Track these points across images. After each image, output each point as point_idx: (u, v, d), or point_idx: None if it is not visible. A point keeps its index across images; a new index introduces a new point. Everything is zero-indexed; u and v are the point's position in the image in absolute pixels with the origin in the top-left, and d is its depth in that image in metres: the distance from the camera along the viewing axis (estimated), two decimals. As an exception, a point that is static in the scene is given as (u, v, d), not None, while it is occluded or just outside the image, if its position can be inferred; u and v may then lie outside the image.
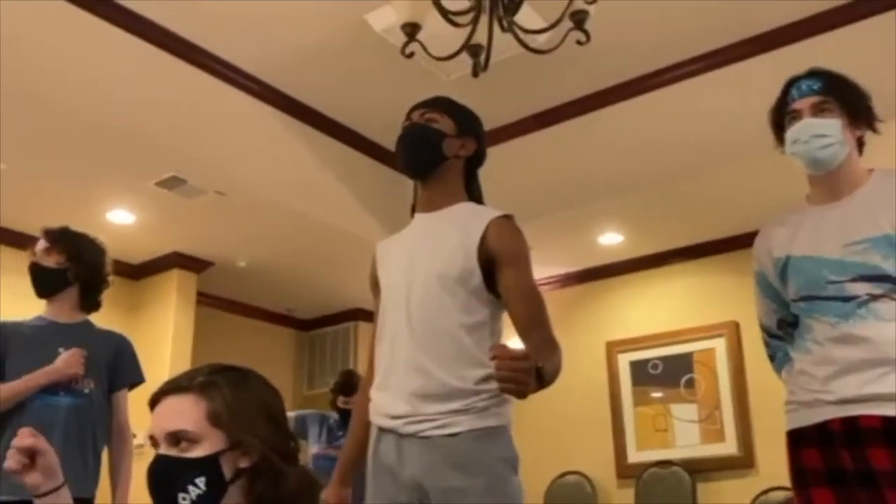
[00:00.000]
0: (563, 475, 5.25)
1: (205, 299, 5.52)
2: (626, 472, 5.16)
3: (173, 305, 5.15)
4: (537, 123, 4.70)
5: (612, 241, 5.15)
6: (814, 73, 1.98)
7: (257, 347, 5.90)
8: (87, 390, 2.62)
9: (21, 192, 4.22)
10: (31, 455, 1.39)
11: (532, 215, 4.41)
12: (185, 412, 1.26)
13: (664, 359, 5.24)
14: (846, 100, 1.94)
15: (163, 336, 5.08)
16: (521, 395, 1.53)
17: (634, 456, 5.17)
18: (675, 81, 4.25)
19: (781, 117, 2.00)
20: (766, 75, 3.86)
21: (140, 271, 5.27)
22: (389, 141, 4.81)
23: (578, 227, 4.94)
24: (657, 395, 5.22)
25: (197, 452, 1.23)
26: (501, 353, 1.49)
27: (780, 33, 3.90)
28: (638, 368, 5.31)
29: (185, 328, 5.17)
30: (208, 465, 1.22)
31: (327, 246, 4.99)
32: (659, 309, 5.36)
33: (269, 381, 1.39)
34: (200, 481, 1.22)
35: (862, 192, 1.92)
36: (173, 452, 1.24)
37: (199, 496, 1.21)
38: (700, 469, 4.91)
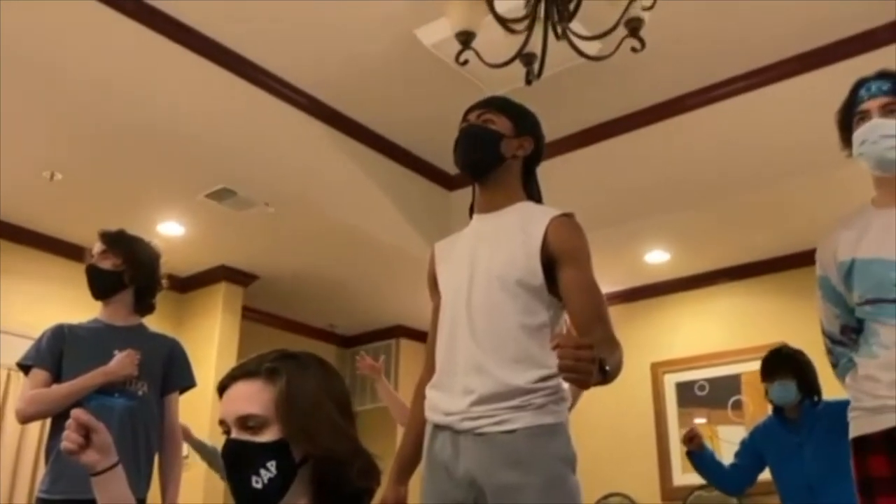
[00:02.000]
0: (607, 496, 5.17)
1: (249, 313, 5.57)
2: (671, 494, 5.06)
3: (219, 319, 5.20)
4: (585, 139, 4.69)
5: (659, 259, 5.10)
6: (883, 75, 1.97)
7: (298, 364, 5.91)
8: (140, 392, 2.65)
9: (75, 203, 4.31)
10: (86, 434, 1.42)
11: (578, 231, 4.38)
12: (255, 397, 1.27)
13: (711, 380, 5.15)
14: None
15: (208, 350, 5.12)
16: (584, 384, 1.51)
17: (680, 478, 5.07)
18: (726, 97, 4.22)
19: (849, 118, 1.98)
20: (813, 93, 3.84)
21: (187, 284, 5.33)
22: (435, 157, 4.95)
23: (625, 245, 4.90)
24: (702, 417, 5.13)
25: (267, 437, 1.24)
26: (564, 342, 1.48)
27: (839, 47, 3.86)
28: (684, 390, 5.23)
29: (230, 342, 5.22)
30: (279, 450, 1.23)
31: (372, 260, 5.02)
32: (705, 329, 5.28)
33: (333, 368, 1.39)
34: (272, 465, 1.22)
35: None
36: (245, 436, 1.25)
37: (270, 479, 1.22)
38: (747, 493, 4.80)
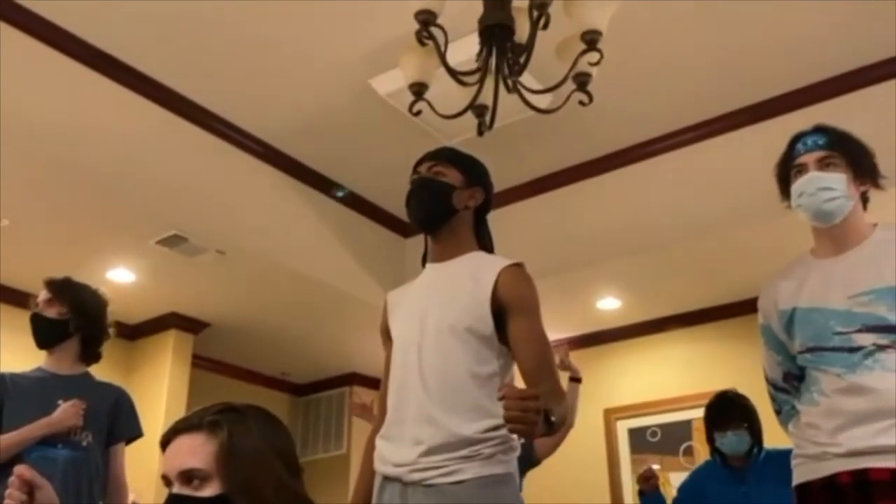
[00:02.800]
0: (560, 545, 5.14)
1: (199, 361, 5.48)
2: (624, 542, 5.05)
3: (168, 367, 5.11)
4: (537, 188, 4.77)
5: (610, 305, 5.16)
6: (819, 129, 2.05)
7: (251, 412, 5.82)
8: (85, 443, 2.59)
9: (22, 250, 4.23)
10: (30, 490, 1.38)
11: (531, 279, 4.44)
12: (197, 451, 1.25)
13: (663, 426, 5.19)
14: (851, 155, 2.00)
15: (157, 399, 5.02)
16: (530, 435, 1.52)
17: (633, 525, 5.08)
18: (673, 149, 4.33)
19: (787, 171, 2.05)
20: (762, 143, 3.96)
21: (136, 331, 5.24)
22: (391, 204, 4.97)
23: (577, 292, 4.95)
24: (656, 463, 5.15)
25: (209, 491, 1.22)
26: (510, 393, 1.49)
27: (777, 102, 4.00)
28: (636, 436, 5.26)
29: (180, 391, 5.12)
30: None
31: (325, 307, 4.99)
32: (657, 375, 5.34)
33: (279, 421, 1.38)
34: None
35: (866, 245, 1.96)
36: (187, 491, 1.23)
37: None
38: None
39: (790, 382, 2.04)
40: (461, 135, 3.83)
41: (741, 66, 3.82)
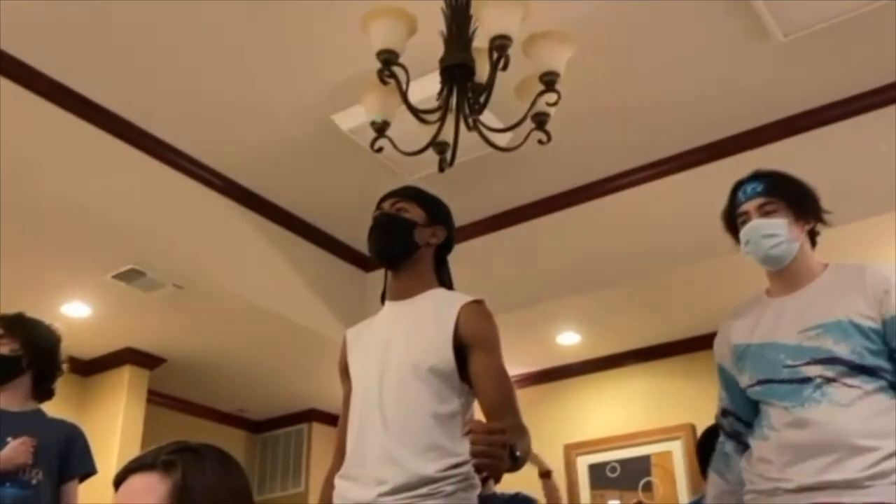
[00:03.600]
0: (520, 583, 5.10)
1: (155, 397, 5.39)
2: (585, 579, 5.04)
3: (123, 404, 5.02)
4: (497, 224, 4.80)
5: (570, 340, 5.19)
6: (757, 176, 2.13)
7: (206, 449, 5.72)
8: (34, 481, 2.54)
9: (-26, 283, 4.14)
10: None
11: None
12: (151, 490, 1.23)
13: (622, 462, 5.21)
14: (790, 198, 2.07)
15: (110, 436, 4.91)
16: (497, 470, 1.52)
17: (594, 563, 5.07)
18: (631, 186, 4.41)
19: (733, 220, 2.12)
20: (716, 182, 4.02)
21: (91, 367, 5.14)
22: (352, 238, 4.97)
23: (537, 326, 4.98)
24: (615, 499, 5.17)
25: None
26: (477, 427, 1.49)
27: (729, 142, 4.10)
28: (596, 471, 5.27)
29: (134, 428, 5.02)
30: None
31: (285, 343, 4.95)
32: (617, 411, 5.36)
33: (234, 460, 1.36)
34: None
35: (818, 283, 2.03)
36: None
37: None
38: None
39: (741, 423, 2.09)
40: (423, 170, 3.86)
41: (694, 108, 3.92)
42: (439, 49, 2.40)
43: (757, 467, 1.95)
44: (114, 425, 4.95)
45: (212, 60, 3.59)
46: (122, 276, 4.16)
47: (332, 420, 5.91)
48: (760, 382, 1.97)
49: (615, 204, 4.46)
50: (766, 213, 2.05)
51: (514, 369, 5.51)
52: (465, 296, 1.96)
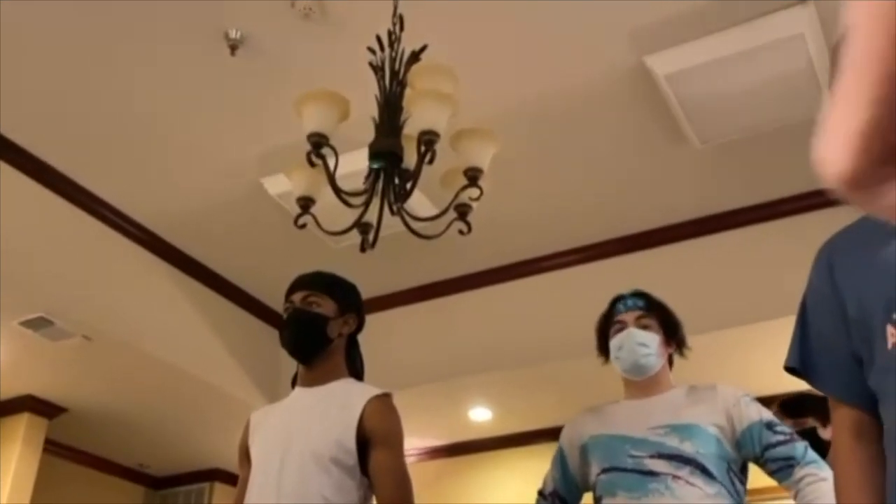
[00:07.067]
0: None
1: (53, 447, 5.19)
2: None
3: (17, 452, 4.81)
4: (416, 296, 4.85)
5: (482, 416, 5.22)
6: (639, 293, 2.31)
7: (101, 504, 5.53)
8: None
9: None
10: None
11: (405, 385, 4.46)
12: None
13: (526, 540, 5.21)
14: (664, 320, 2.26)
15: (1, 483, 4.71)
16: None
17: None
18: (549, 270, 4.53)
19: (607, 328, 2.27)
20: (628, 273, 4.19)
21: (-14, 412, 4.94)
22: (274, 299, 4.93)
23: (451, 400, 5.00)
24: (516, 577, 5.15)
25: None
26: None
27: (647, 236, 4.26)
28: (501, 548, 5.25)
29: (27, 476, 4.81)
30: None
31: (193, 401, 4.85)
32: (526, 487, 5.35)
33: None
34: None
35: (672, 393, 2.20)
36: None
37: None
38: None
39: (554, 500, 2.25)
40: (349, 240, 3.89)
41: (612, 202, 4.09)
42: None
43: None
44: (5, 471, 4.74)
45: (144, 113, 3.58)
46: (29, 324, 4.04)
47: (236, 481, 5.77)
48: (606, 471, 2.09)
49: (532, 286, 4.56)
50: (642, 326, 2.22)
51: (425, 441, 5.56)
52: (372, 388, 1.98)
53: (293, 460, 1.87)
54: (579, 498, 2.26)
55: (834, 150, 0.54)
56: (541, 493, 2.33)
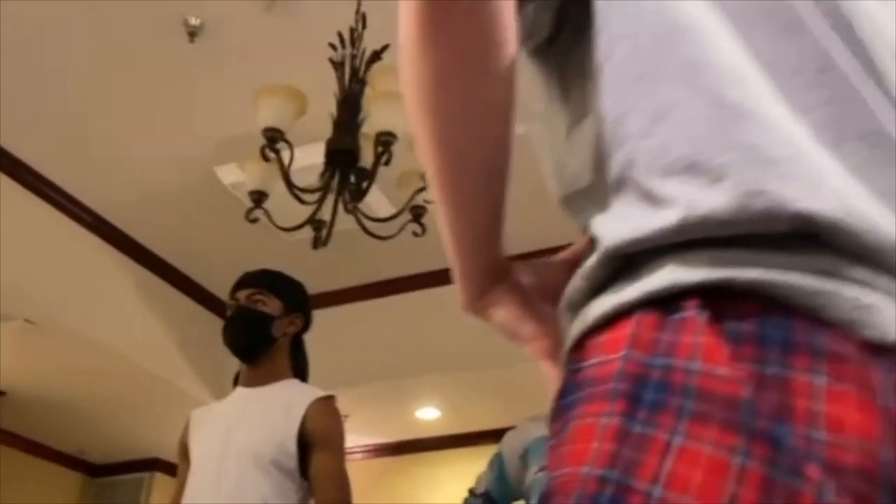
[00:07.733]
0: None
1: (-13, 431, 5.07)
2: None
3: (-53, 435, 4.70)
4: (369, 293, 4.83)
5: (429, 415, 5.22)
6: None
7: (37, 491, 5.40)
8: None
9: None
10: None
11: (353, 381, 4.46)
12: None
13: (467, 540, 5.23)
14: None
15: (-70, 467, 4.59)
16: None
17: None
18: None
19: None
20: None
21: (-83, 393, 4.80)
22: (225, 291, 4.84)
23: (399, 398, 5.00)
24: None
25: None
26: None
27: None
28: (441, 547, 5.26)
29: (-41, 461, 4.71)
30: None
31: (135, 388, 4.76)
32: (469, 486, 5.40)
33: None
34: None
35: None
36: None
37: None
38: None
39: (486, 499, 2.30)
40: (302, 234, 3.86)
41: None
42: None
43: None
44: (-66, 457, 4.62)
45: (98, 96, 3.51)
46: (-32, 305, 3.93)
47: (176, 472, 5.69)
48: (543, 468, 2.10)
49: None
50: None
51: (371, 438, 5.54)
52: (315, 390, 1.96)
53: (232, 461, 1.85)
54: (509, 503, 2.28)
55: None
56: (471, 492, 2.37)
